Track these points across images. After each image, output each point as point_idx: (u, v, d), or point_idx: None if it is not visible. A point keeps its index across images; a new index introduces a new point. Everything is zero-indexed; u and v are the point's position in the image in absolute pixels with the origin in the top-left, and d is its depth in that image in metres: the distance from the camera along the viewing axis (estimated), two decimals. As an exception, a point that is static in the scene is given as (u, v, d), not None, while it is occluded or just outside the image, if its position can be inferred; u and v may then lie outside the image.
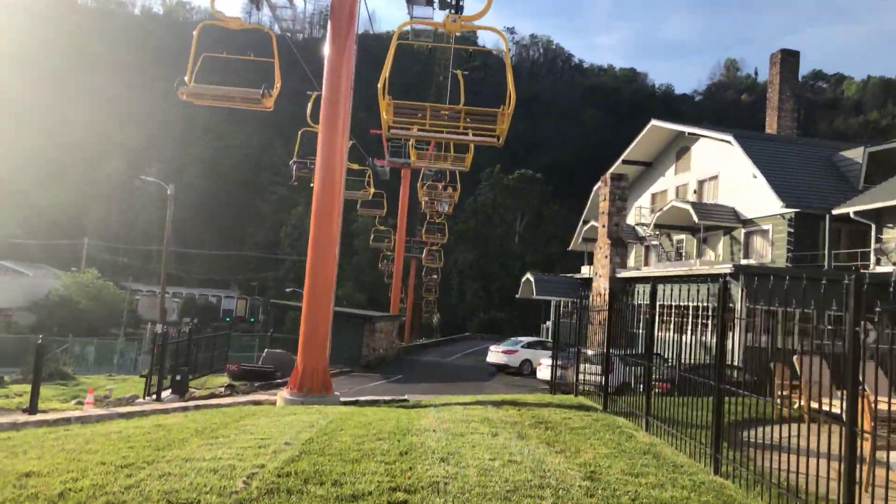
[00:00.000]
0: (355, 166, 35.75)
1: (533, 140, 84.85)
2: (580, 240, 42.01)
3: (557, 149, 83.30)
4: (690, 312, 23.37)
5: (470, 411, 9.10)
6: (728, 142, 29.45)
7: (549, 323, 39.29)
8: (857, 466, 5.82)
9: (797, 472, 5.13)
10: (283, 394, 12.48)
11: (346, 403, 11.98)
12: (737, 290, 21.50)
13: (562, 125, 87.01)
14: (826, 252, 25.03)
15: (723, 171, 30.71)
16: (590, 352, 18.15)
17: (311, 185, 24.92)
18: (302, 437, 7.15)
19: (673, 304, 25.73)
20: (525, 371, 27.60)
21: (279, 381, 25.42)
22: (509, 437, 7.06)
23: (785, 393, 10.65)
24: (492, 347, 28.81)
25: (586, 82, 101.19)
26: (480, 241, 66.87)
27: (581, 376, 13.72)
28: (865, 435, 6.20)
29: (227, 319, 59.95)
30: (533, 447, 6.55)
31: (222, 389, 23.11)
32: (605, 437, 7.08)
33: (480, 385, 23.68)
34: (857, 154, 28.19)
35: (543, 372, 23.56)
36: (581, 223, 42.10)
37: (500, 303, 65.15)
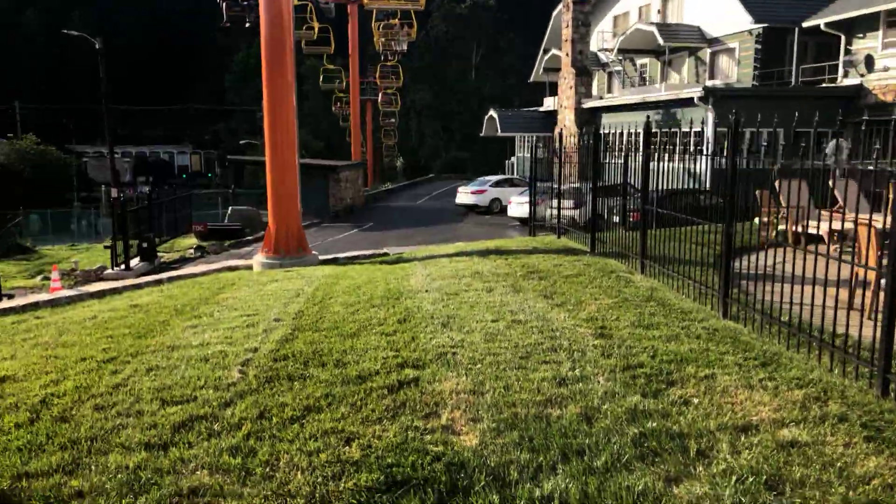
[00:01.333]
0: (294, 1, 32.95)
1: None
2: (541, 70, 40.51)
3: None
4: (675, 140, 23.06)
5: (457, 264, 8.88)
6: (696, -47, 27.62)
7: (514, 159, 38.95)
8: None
9: (801, 305, 5.03)
10: (258, 258, 12.09)
11: (325, 262, 11.69)
12: (707, 113, 21.14)
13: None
14: (794, 67, 24.51)
15: (689, -15, 29.08)
16: (563, 187, 18.02)
17: (247, 25, 22.66)
18: (290, 309, 6.84)
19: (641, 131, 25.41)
20: (495, 209, 27.59)
21: (249, 238, 25.07)
22: (505, 292, 6.87)
23: (766, 219, 10.66)
24: (460, 188, 28.54)
25: None
26: (437, 78, 64.30)
27: (554, 212, 13.59)
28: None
29: (184, 176, 58.16)
30: (532, 302, 6.36)
31: (192, 252, 22.69)
32: (603, 285, 6.94)
33: (454, 227, 23.67)
34: (830, -41, 26.76)
35: (514, 209, 23.55)
36: (542, 52, 40.37)
37: (462, 141, 64.12)
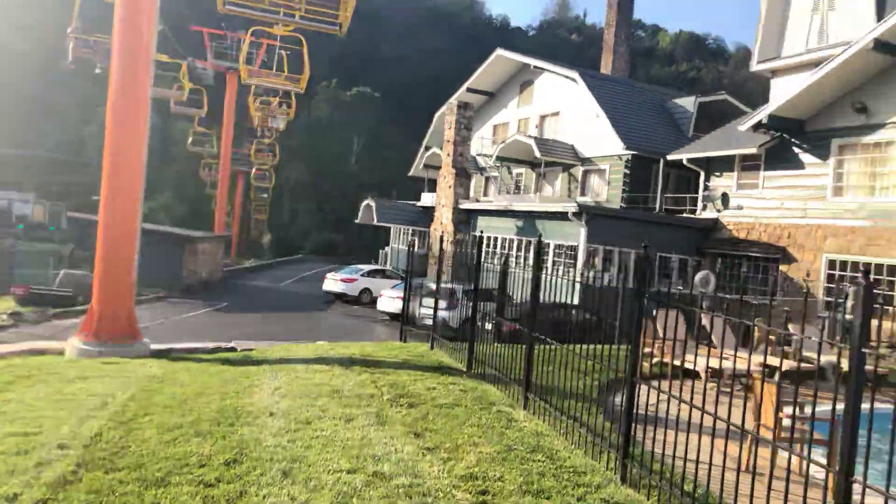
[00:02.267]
0: (165, 58, 31.20)
1: (371, 58, 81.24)
2: (421, 165, 40.94)
3: (396, 70, 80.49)
4: (553, 252, 22.73)
5: (314, 376, 7.60)
6: (573, 79, 29.34)
7: (388, 249, 38.29)
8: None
9: (709, 467, 4.32)
10: (74, 341, 10.02)
11: (156, 354, 9.89)
12: (580, 229, 21.59)
13: (401, 46, 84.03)
14: (658, 195, 26.02)
15: (565, 107, 30.73)
16: (432, 285, 17.27)
17: (97, 71, 20.57)
18: (86, 429, 5.25)
19: (516, 237, 25.70)
20: (364, 300, 26.41)
21: (79, 308, 22.02)
22: (368, 424, 5.70)
23: (646, 350, 10.32)
24: (329, 275, 27.18)
25: (426, 4, 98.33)
26: (315, 159, 63.52)
27: (426, 310, 12.71)
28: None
29: (20, 227, 52.20)
30: (401, 443, 5.23)
31: (4, 318, 19.48)
32: (482, 422, 5.96)
33: (318, 316, 22.15)
34: (688, 102, 29.38)
35: (385, 304, 22.50)
36: (423, 149, 40.95)
37: (336, 224, 63.03)
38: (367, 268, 28.06)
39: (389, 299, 22.13)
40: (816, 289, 19.33)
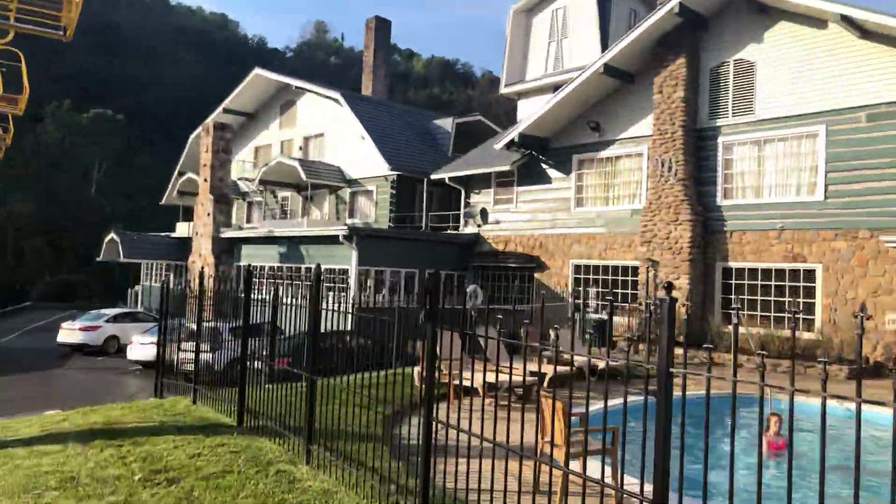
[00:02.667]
0: None
1: (114, 78, 73.79)
2: (175, 193, 37.65)
3: (145, 91, 73.97)
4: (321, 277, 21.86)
5: (41, 460, 6.04)
6: (336, 100, 29.06)
7: (139, 288, 34.43)
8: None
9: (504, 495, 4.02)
10: None
11: None
12: (352, 252, 21.15)
13: (149, 65, 77.58)
14: (424, 213, 26.63)
15: (329, 129, 30.33)
16: (193, 326, 15.56)
17: None
18: None
19: (284, 265, 24.48)
20: (111, 349, 23.22)
21: None
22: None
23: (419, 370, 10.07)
24: (64, 324, 23.45)
25: (175, 22, 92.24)
26: (45, 189, 55.46)
27: (186, 355, 11.27)
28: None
29: None
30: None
31: None
32: (258, 489, 5.07)
33: (52, 376, 18.87)
34: (447, 123, 30.66)
35: (136, 351, 19.93)
36: (176, 174, 37.71)
37: (74, 263, 55.45)
38: (112, 312, 24.75)
39: (141, 346, 19.69)
40: (565, 293, 21.05)
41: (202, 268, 26.15)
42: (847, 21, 15.01)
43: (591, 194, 20.88)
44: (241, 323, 8.37)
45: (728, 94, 17.55)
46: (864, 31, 15.15)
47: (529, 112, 26.76)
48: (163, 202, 40.93)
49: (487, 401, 10.07)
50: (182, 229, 34.05)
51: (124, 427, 7.24)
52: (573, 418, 5.88)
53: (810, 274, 16.11)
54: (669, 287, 3.12)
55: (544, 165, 21.99)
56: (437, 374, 8.15)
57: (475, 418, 4.74)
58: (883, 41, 14.96)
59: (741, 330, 16.72)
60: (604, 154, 20.38)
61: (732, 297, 17.36)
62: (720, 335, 16.76)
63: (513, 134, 21.25)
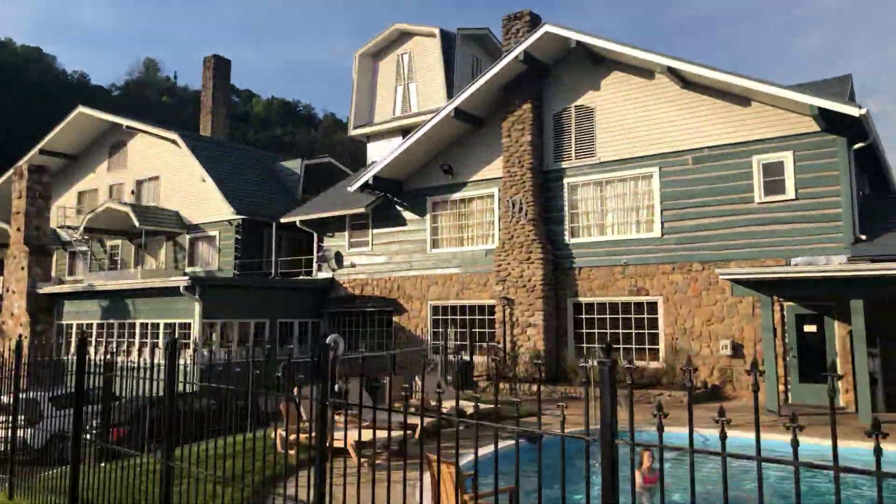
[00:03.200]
0: None
1: None
2: (-22, 244, 33.11)
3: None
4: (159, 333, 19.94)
5: None
6: (174, 141, 27.20)
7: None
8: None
9: None
10: None
11: None
12: (195, 304, 19.50)
13: (-53, 97, 68.95)
14: (273, 259, 25.39)
15: (165, 172, 28.27)
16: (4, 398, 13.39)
17: None
18: None
19: (116, 321, 22.07)
20: None
21: None
22: None
23: (291, 437, 9.21)
24: None
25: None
26: None
27: None
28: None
29: None
30: None
31: None
32: None
33: None
34: (295, 165, 29.75)
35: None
36: (-20, 223, 33.20)
37: None
38: None
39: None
40: (425, 335, 20.84)
41: (18, 331, 22.97)
42: (672, 72, 16.39)
43: (446, 235, 20.97)
44: (74, 390, 7.10)
45: (571, 137, 18.46)
46: (686, 82, 16.63)
47: (379, 154, 26.70)
48: (-36, 255, 35.79)
49: (362, 461, 9.41)
50: (-12, 285, 29.87)
51: None
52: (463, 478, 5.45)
53: (653, 306, 17.10)
54: (609, 349, 2.81)
55: (399, 208, 21.83)
56: (297, 436, 7.33)
57: (354, 485, 4.16)
58: (703, 91, 16.50)
59: (593, 362, 17.31)
60: (457, 196, 20.61)
61: (584, 331, 18.00)
62: (576, 370, 17.26)
63: (366, 176, 20.93)
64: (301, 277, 24.07)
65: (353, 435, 9.17)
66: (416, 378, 13.64)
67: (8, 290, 23.85)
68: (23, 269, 23.18)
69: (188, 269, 27.02)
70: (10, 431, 8.70)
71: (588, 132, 18.20)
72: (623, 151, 17.60)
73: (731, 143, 16.07)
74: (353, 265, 22.85)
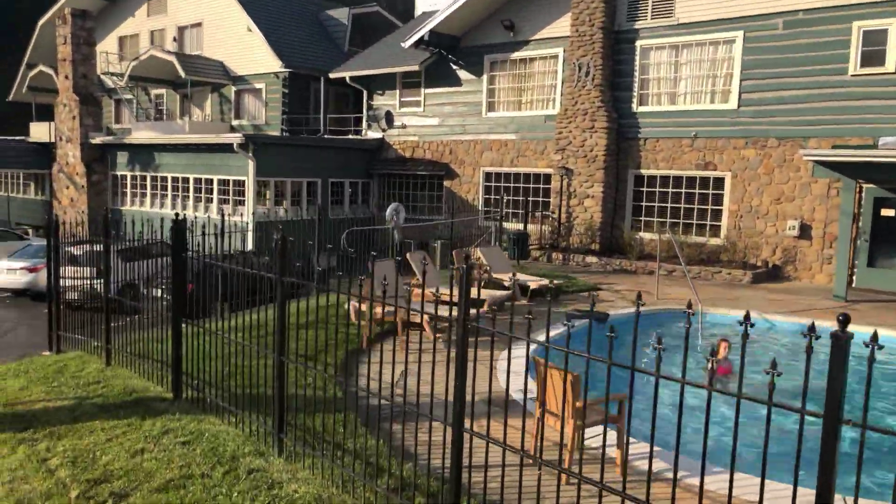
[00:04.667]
0: None
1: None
2: (24, 89, 32.90)
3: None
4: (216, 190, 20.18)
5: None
6: (216, -15, 25.80)
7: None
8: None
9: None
10: None
11: None
12: (248, 161, 19.37)
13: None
14: (322, 116, 24.81)
15: (209, 18, 27.07)
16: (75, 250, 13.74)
17: None
18: None
19: (169, 175, 22.18)
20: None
21: None
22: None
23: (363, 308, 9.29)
24: None
25: None
26: None
27: (67, 282, 9.83)
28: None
29: None
30: None
31: None
32: (232, 500, 4.25)
33: None
34: (342, 14, 28.22)
35: (4, 278, 17.69)
36: (25, 67, 32.78)
37: None
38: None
39: (8, 272, 17.44)
40: (477, 202, 20.60)
41: (71, 177, 23.31)
42: (773, -78, 14.58)
43: (503, 98, 20.07)
44: (172, 273, 6.87)
45: (649, -6, 16.93)
46: (788, -66, 14.82)
47: (427, 3, 25.07)
48: (10, 98, 35.76)
49: (437, 336, 9.51)
50: (38, 131, 30.01)
51: (32, 408, 6.03)
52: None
53: (719, 181, 16.47)
54: (845, 320, 2.46)
55: (454, 66, 20.78)
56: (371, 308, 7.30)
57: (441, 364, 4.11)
58: (805, -55, 14.73)
59: (650, 236, 17.06)
60: (517, 55, 19.45)
61: (643, 204, 17.57)
62: (632, 243, 17.03)
63: (422, 32, 19.72)
64: (350, 137, 23.59)
65: (430, 309, 9.22)
66: (476, 249, 13.56)
67: (62, 139, 23.91)
68: (74, 118, 23.06)
69: (234, 122, 26.68)
70: (104, 299, 8.64)
71: (668, -11, 16.64)
72: (705, 12, 16.14)
73: (829, 6, 14.57)
74: (403, 126, 22.23)
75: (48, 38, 29.65)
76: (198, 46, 27.65)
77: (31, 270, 17.27)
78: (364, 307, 9.24)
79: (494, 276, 12.51)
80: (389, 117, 22.44)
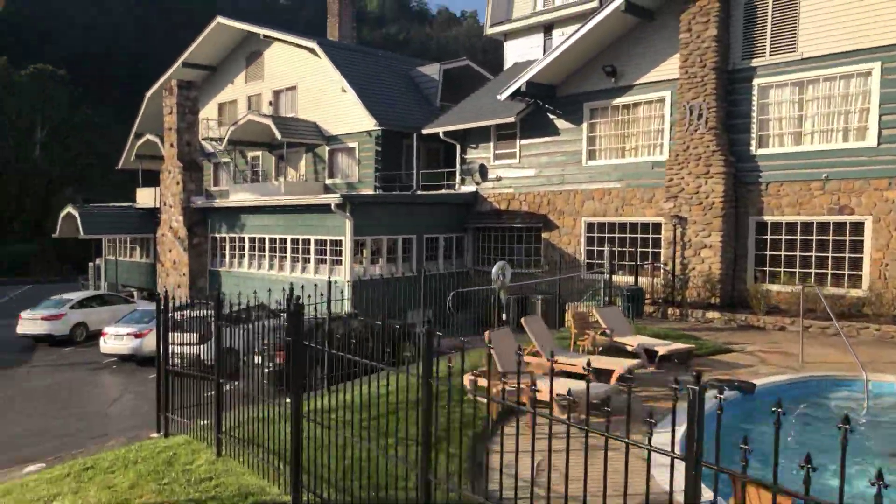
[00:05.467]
0: None
1: (52, 27, 68.17)
2: (132, 157, 34.67)
3: (85, 39, 68.48)
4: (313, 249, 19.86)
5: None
6: (311, 49, 26.40)
7: (101, 262, 31.83)
8: None
9: None
10: None
11: None
12: (345, 221, 19.15)
13: (85, 10, 71.80)
14: (415, 171, 24.58)
15: (303, 81, 27.71)
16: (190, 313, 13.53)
17: None
18: None
19: (266, 236, 22.33)
20: (79, 337, 21.04)
21: None
22: None
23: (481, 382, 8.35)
24: (24, 313, 21.06)
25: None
26: (-14, 154, 51.24)
27: (175, 349, 9.39)
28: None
29: None
30: None
31: None
32: None
33: (14, 377, 16.71)
34: (432, 71, 28.28)
35: (111, 344, 17.90)
36: (133, 136, 34.61)
37: (25, 232, 51.86)
38: (77, 296, 22.31)
39: (116, 338, 17.65)
40: (578, 254, 19.53)
41: (176, 244, 23.88)
42: (911, -58, 13.26)
43: (604, 145, 19.13)
44: (288, 365, 6.27)
45: (766, 29, 15.75)
46: (928, -46, 13.45)
47: (518, 54, 24.71)
48: (119, 166, 37.80)
49: (565, 415, 8.43)
50: (144, 197, 31.32)
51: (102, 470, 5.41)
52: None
53: (858, 226, 14.79)
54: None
55: (551, 115, 20.08)
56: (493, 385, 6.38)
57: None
58: (951, -36, 13.29)
59: (778, 288, 15.45)
60: (619, 101, 18.55)
61: (767, 253, 16.03)
62: (757, 296, 15.46)
63: (518, 83, 19.19)
64: (443, 192, 23.16)
65: (557, 385, 8.22)
66: (593, 309, 12.47)
67: (165, 204, 24.66)
68: (178, 183, 23.76)
69: (328, 181, 26.88)
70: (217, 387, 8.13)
71: (788, 22, 15.42)
72: (834, 45, 14.80)
73: (985, 30, 12.99)
74: (498, 178, 21.59)
75: (155, 109, 31.18)
76: (292, 108, 28.28)
77: (137, 336, 17.42)
78: (483, 382, 8.34)
79: (616, 339, 11.37)
80: (483, 170, 21.89)
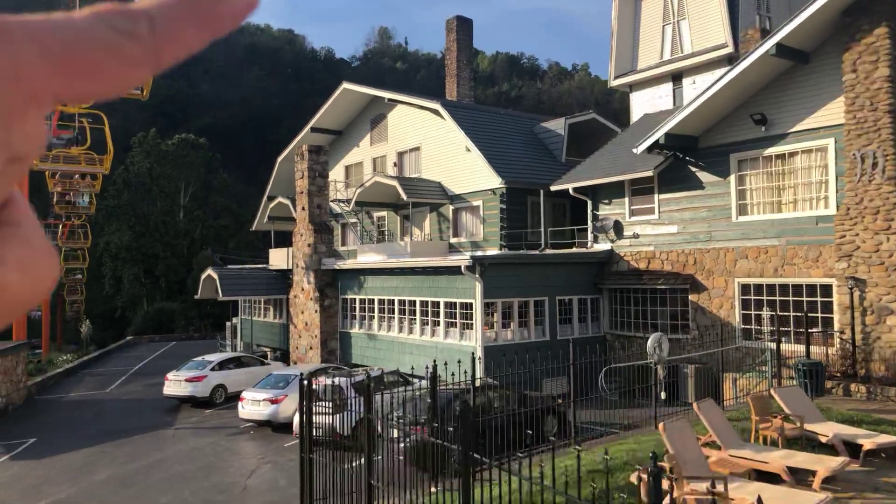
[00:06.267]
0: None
1: (191, 101, 74.53)
2: (265, 219, 36.20)
3: (219, 111, 74.28)
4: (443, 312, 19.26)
5: None
6: (435, 111, 26.59)
7: (237, 321, 33.09)
8: None
9: None
10: None
11: None
12: (475, 283, 18.54)
13: (222, 85, 77.90)
14: (543, 230, 23.75)
15: (426, 142, 27.88)
16: (324, 381, 13.25)
17: None
18: None
19: (396, 298, 22.12)
20: (218, 399, 21.54)
21: None
22: None
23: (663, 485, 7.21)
24: (170, 375, 21.89)
25: (244, 41, 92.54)
26: (137, 217, 55.69)
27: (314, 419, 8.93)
28: None
29: None
30: None
31: None
32: None
33: (161, 440, 17.13)
34: (557, 126, 27.66)
35: (248, 409, 18.03)
36: (266, 199, 36.21)
37: (167, 289, 55.55)
38: (216, 358, 22.96)
39: (253, 403, 17.76)
40: (731, 318, 17.79)
41: (308, 305, 24.23)
42: None
43: (757, 199, 17.52)
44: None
45: (954, 65, 13.89)
46: None
47: (645, 104, 23.61)
48: (253, 228, 39.66)
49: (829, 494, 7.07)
50: (276, 258, 32.42)
51: None
52: None
53: None
54: None
55: (693, 168, 18.75)
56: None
57: None
58: None
59: None
60: (772, 150, 16.98)
61: (968, 320, 13.73)
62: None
63: (656, 135, 18.10)
64: (575, 250, 22.12)
65: (753, 491, 6.92)
66: (773, 390, 10.92)
67: (297, 266, 25.21)
68: (309, 245, 24.24)
69: (453, 240, 26.58)
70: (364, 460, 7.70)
71: (983, 56, 13.51)
72: None
73: None
74: (635, 235, 20.34)
75: (285, 173, 32.49)
76: (415, 169, 28.46)
77: (272, 402, 17.46)
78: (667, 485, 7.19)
79: (807, 428, 9.80)
80: (618, 227, 20.72)
